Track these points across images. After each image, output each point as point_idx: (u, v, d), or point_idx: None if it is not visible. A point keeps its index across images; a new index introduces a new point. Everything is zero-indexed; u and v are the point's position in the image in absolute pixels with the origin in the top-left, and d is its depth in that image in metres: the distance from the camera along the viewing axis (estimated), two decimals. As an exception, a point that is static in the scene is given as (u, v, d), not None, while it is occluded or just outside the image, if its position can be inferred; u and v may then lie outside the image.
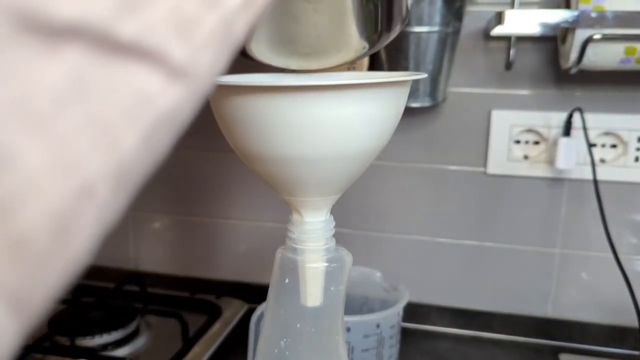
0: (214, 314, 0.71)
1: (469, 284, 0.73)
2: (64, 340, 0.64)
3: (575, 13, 0.55)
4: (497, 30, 0.61)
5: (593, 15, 0.54)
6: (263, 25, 0.35)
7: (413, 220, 0.73)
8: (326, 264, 0.36)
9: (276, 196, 0.36)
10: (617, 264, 0.61)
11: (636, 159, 0.65)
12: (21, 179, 0.10)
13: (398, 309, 0.56)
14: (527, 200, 0.69)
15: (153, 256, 0.83)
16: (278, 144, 0.31)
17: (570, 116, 0.64)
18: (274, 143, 0.31)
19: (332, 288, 0.36)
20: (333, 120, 0.30)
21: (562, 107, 0.65)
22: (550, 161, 0.67)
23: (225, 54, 0.15)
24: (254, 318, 0.51)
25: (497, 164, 0.69)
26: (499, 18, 0.57)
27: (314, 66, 0.37)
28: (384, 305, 0.59)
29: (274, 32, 0.36)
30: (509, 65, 0.66)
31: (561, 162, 0.64)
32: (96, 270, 0.82)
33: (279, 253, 0.37)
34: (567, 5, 0.60)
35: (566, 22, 0.55)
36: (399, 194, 0.73)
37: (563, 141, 0.64)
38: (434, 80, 0.63)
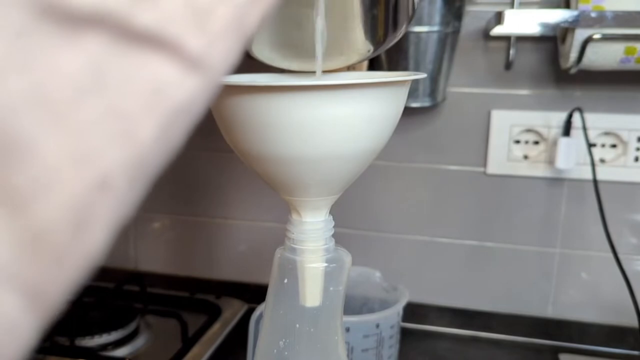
0: (213, 314, 0.71)
1: (469, 284, 0.73)
2: (63, 340, 0.64)
3: (575, 13, 0.55)
4: (497, 30, 0.61)
5: (593, 15, 0.54)
6: (265, 27, 0.35)
7: (413, 220, 0.73)
8: (325, 264, 0.36)
9: (276, 196, 0.36)
10: (617, 264, 0.61)
11: (636, 159, 0.65)
12: (40, 170, 0.10)
13: (398, 309, 0.56)
14: (527, 200, 0.69)
15: (153, 256, 0.83)
16: (278, 144, 0.31)
17: (570, 116, 0.64)
18: (274, 143, 0.31)
19: (332, 288, 0.36)
20: (333, 120, 0.30)
21: (562, 107, 0.65)
22: (550, 161, 0.67)
23: (237, 46, 0.15)
24: (254, 318, 0.51)
25: (497, 164, 0.69)
26: (498, 18, 0.57)
27: (314, 68, 0.37)
28: (384, 305, 0.59)
29: (277, 36, 0.36)
30: (508, 65, 0.66)
31: (561, 162, 0.64)
32: (96, 270, 0.82)
33: (278, 253, 0.37)
34: (567, 5, 0.60)
35: (566, 22, 0.55)
36: (399, 194, 0.72)
37: (563, 141, 0.64)
38: (434, 80, 0.63)
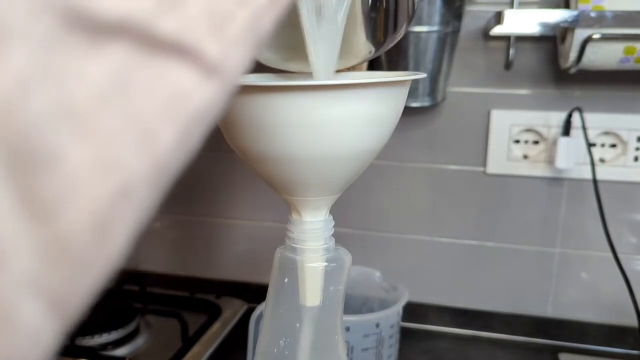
0: (214, 313, 0.71)
1: (469, 284, 0.73)
2: (64, 340, 0.64)
3: (575, 13, 0.55)
4: (497, 30, 0.61)
5: (593, 15, 0.54)
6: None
7: (413, 220, 0.73)
8: (326, 264, 0.36)
9: (276, 196, 0.36)
10: (617, 264, 0.61)
11: (636, 159, 0.65)
12: (66, 180, 0.10)
13: (398, 308, 0.56)
14: (527, 200, 0.69)
15: (153, 256, 0.83)
16: (278, 144, 0.31)
17: (570, 116, 0.64)
18: (274, 143, 0.31)
19: (332, 288, 0.36)
20: (333, 120, 0.30)
21: (562, 107, 0.65)
22: (550, 161, 0.67)
23: (252, 50, 0.15)
24: (254, 318, 0.51)
25: (497, 164, 0.69)
26: (498, 18, 0.57)
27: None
28: (384, 305, 0.59)
29: (277, 38, 0.36)
30: (508, 65, 0.66)
31: (561, 162, 0.64)
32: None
33: (278, 253, 0.37)
34: (567, 5, 0.60)
35: (566, 22, 0.55)
36: (399, 194, 0.73)
37: (563, 141, 0.64)
38: (434, 80, 0.63)
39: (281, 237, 0.37)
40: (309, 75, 0.36)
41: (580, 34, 0.56)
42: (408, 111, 0.60)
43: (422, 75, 0.34)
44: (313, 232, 0.35)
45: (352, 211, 0.74)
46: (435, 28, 0.60)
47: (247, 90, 0.30)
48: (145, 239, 0.82)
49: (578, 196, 0.67)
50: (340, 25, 0.32)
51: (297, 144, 0.31)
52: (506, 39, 0.65)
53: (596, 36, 0.55)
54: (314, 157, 0.31)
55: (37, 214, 0.10)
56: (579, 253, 0.69)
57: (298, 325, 0.37)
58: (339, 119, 0.30)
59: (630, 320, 0.61)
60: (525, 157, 0.68)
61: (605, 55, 0.57)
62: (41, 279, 0.10)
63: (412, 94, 0.63)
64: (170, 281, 0.80)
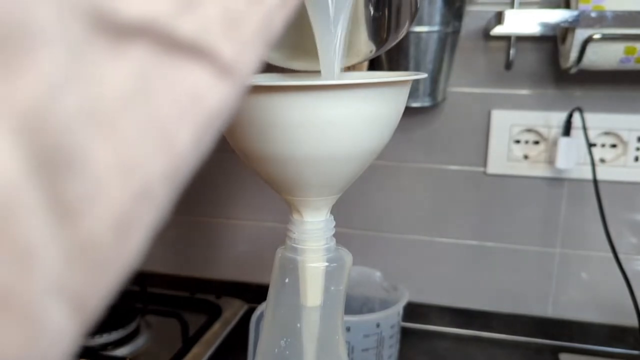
0: (214, 313, 0.71)
1: (469, 284, 0.73)
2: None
3: (575, 13, 0.55)
4: (497, 30, 0.61)
5: (593, 15, 0.54)
6: None
7: (413, 220, 0.73)
8: (326, 264, 0.36)
9: (276, 196, 0.36)
10: (617, 264, 0.61)
11: (636, 159, 0.65)
12: (89, 183, 0.10)
13: (398, 308, 0.56)
14: (527, 200, 0.69)
15: (153, 256, 0.83)
16: (278, 144, 0.31)
17: (570, 116, 0.64)
18: (275, 143, 0.31)
19: (332, 288, 0.36)
20: (334, 120, 0.30)
21: (562, 106, 0.65)
22: (550, 161, 0.67)
23: (263, 50, 0.15)
24: (254, 318, 0.51)
25: (497, 164, 0.69)
26: (498, 18, 0.57)
27: (316, 68, 0.37)
28: (384, 305, 0.59)
29: (280, 37, 0.36)
30: (508, 65, 0.66)
31: (561, 162, 0.64)
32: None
33: (279, 253, 0.37)
34: (567, 5, 0.60)
35: (566, 22, 0.55)
36: (399, 194, 0.73)
37: (563, 141, 0.64)
38: (434, 80, 0.63)
39: (281, 237, 0.37)
40: (311, 74, 0.36)
41: (580, 34, 0.56)
42: (408, 111, 0.60)
43: (422, 75, 0.34)
44: (313, 232, 0.35)
45: (352, 211, 0.74)
46: (436, 28, 0.60)
47: (249, 90, 0.30)
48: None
49: (578, 196, 0.68)
50: (345, 23, 0.32)
51: (297, 144, 0.31)
52: (506, 38, 0.65)
53: (596, 36, 0.55)
54: (314, 157, 0.31)
55: (63, 216, 0.10)
56: (579, 253, 0.69)
57: (298, 325, 0.37)
58: (339, 119, 0.30)
59: (630, 320, 0.61)
60: (526, 157, 0.68)
61: (605, 55, 0.57)
62: (66, 280, 0.10)
63: (412, 94, 0.63)
64: (170, 281, 0.80)
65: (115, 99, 0.11)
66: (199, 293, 0.77)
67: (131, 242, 0.12)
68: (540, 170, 0.68)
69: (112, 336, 0.64)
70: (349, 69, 0.51)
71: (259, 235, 0.78)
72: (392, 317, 0.55)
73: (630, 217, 0.67)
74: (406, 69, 0.62)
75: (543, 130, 0.66)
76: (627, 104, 0.64)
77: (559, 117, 0.65)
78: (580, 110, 0.63)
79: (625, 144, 0.65)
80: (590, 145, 0.63)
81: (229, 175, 0.77)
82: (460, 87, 0.68)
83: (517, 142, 0.68)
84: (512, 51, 0.64)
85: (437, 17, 0.60)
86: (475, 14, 0.66)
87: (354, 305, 0.63)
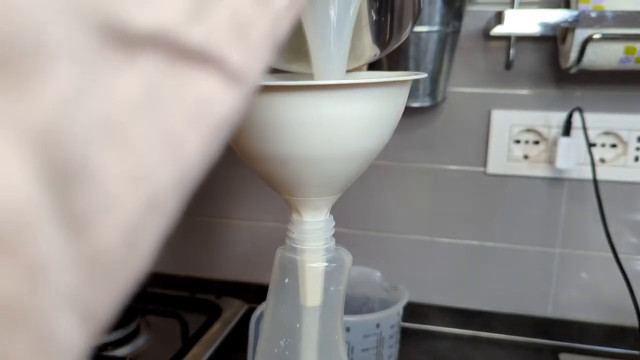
0: (214, 313, 0.71)
1: (469, 284, 0.73)
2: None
3: (575, 13, 0.55)
4: (497, 30, 0.61)
5: (593, 15, 0.54)
6: None
7: (413, 220, 0.73)
8: (326, 264, 0.36)
9: (276, 196, 0.36)
10: (617, 264, 0.61)
11: (636, 159, 0.65)
12: (100, 194, 0.10)
13: (398, 308, 0.56)
14: (527, 200, 0.69)
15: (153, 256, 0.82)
16: (278, 144, 0.31)
17: (570, 116, 0.64)
18: (274, 143, 0.31)
19: (332, 288, 0.36)
20: (333, 120, 0.30)
21: (562, 106, 0.65)
22: (550, 161, 0.67)
23: (269, 54, 0.15)
24: (254, 318, 0.51)
25: (497, 164, 0.69)
26: (498, 18, 0.57)
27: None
28: (384, 305, 0.59)
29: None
30: (508, 65, 0.66)
31: (561, 162, 0.64)
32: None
33: (278, 253, 0.37)
34: (567, 5, 0.60)
35: (566, 21, 0.55)
36: (399, 194, 0.72)
37: (563, 141, 0.64)
38: (434, 80, 0.63)
39: (281, 237, 0.37)
40: (309, 75, 0.36)
41: (580, 34, 0.56)
42: (408, 111, 0.60)
43: (422, 75, 0.34)
44: (313, 232, 0.35)
45: (352, 211, 0.74)
46: (436, 28, 0.60)
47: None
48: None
49: (578, 196, 0.67)
50: (349, 27, 0.32)
51: (297, 144, 0.31)
52: (506, 38, 0.65)
53: (596, 36, 0.55)
54: (314, 157, 0.31)
55: (75, 228, 0.10)
56: (579, 253, 0.69)
57: (298, 325, 0.37)
58: (339, 119, 0.30)
59: (630, 320, 0.61)
60: (526, 157, 0.68)
61: (605, 55, 0.57)
62: (76, 292, 0.10)
63: (412, 94, 0.63)
64: (170, 281, 0.80)
65: (125, 109, 0.11)
66: (199, 293, 0.77)
67: (140, 251, 0.12)
68: (540, 170, 0.68)
69: (112, 336, 0.64)
70: (350, 70, 0.51)
71: (259, 235, 0.78)
72: (392, 317, 0.55)
73: (630, 217, 0.67)
74: (406, 69, 0.62)
75: (543, 130, 0.66)
76: (627, 104, 0.64)
77: (559, 117, 0.65)
78: (580, 110, 0.63)
79: (625, 144, 0.65)
80: (590, 145, 0.63)
81: (229, 175, 0.77)
82: (460, 87, 0.68)
83: (517, 142, 0.68)
84: (512, 51, 0.64)
85: (437, 17, 0.60)
86: (475, 14, 0.66)
87: (354, 305, 0.63)
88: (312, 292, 0.36)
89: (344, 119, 0.30)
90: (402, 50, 0.61)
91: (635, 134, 0.64)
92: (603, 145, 0.66)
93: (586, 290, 0.70)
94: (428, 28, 0.60)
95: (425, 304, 0.73)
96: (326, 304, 0.36)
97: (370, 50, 0.38)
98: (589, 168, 0.64)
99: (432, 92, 0.64)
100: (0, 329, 0.09)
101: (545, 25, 0.61)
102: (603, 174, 0.65)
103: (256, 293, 0.74)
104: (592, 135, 0.64)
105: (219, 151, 0.14)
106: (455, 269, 0.73)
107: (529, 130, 0.67)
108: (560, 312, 0.71)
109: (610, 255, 0.61)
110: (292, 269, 0.36)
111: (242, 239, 0.79)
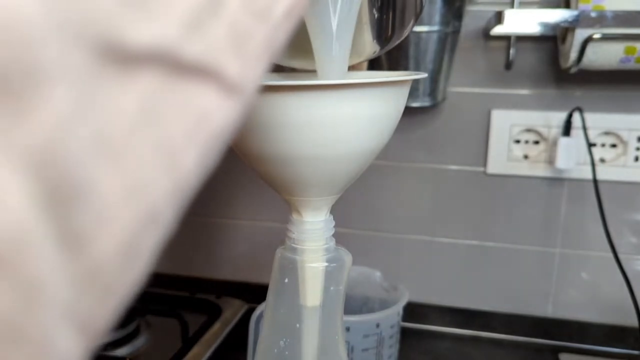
0: (213, 313, 0.71)
1: (469, 283, 0.73)
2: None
3: (575, 13, 0.55)
4: (497, 30, 0.61)
5: (593, 14, 0.54)
6: None
7: (413, 220, 0.73)
8: (326, 264, 0.36)
9: (276, 196, 0.36)
10: (617, 264, 0.61)
11: (636, 159, 0.65)
12: (97, 210, 0.10)
13: (398, 308, 0.56)
14: (527, 200, 0.69)
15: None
16: (278, 144, 0.31)
17: (570, 116, 0.64)
18: (274, 143, 0.31)
19: (332, 288, 0.36)
20: (333, 120, 0.30)
21: (562, 106, 0.65)
22: (550, 161, 0.67)
23: (267, 64, 0.15)
24: (254, 318, 0.51)
25: (497, 164, 0.69)
26: (498, 18, 0.57)
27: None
28: (384, 305, 0.59)
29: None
30: (508, 65, 0.66)
31: (561, 162, 0.64)
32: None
33: (278, 253, 0.37)
34: (567, 5, 0.60)
35: (566, 21, 0.55)
36: (399, 193, 0.72)
37: (563, 141, 0.64)
38: (434, 79, 0.63)
39: (281, 237, 0.37)
40: (311, 73, 0.36)
41: (580, 34, 0.56)
42: (408, 111, 0.60)
43: (422, 75, 0.34)
44: (313, 232, 0.35)
45: (352, 211, 0.74)
46: (436, 28, 0.60)
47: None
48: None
49: (578, 196, 0.67)
50: (350, 24, 0.32)
51: (297, 144, 0.31)
52: (506, 38, 0.65)
53: (596, 36, 0.55)
54: (314, 157, 0.31)
55: (72, 245, 0.10)
56: (579, 253, 0.69)
57: (298, 325, 0.37)
58: (339, 119, 0.30)
59: (630, 320, 0.61)
60: (526, 157, 0.68)
61: (605, 54, 0.57)
62: (74, 307, 0.10)
63: (412, 93, 0.63)
64: (170, 281, 0.80)
65: (123, 126, 0.11)
66: (199, 293, 0.77)
67: (138, 263, 0.12)
68: (540, 170, 0.68)
69: (112, 336, 0.64)
70: (349, 68, 0.51)
71: (258, 235, 0.78)
72: (392, 317, 0.55)
73: (630, 217, 0.67)
74: (406, 68, 0.62)
75: (543, 130, 0.66)
76: (627, 104, 0.64)
77: (559, 117, 0.65)
78: (580, 110, 0.63)
79: (625, 144, 0.65)
80: (590, 145, 0.63)
81: (228, 175, 0.77)
82: (460, 87, 0.68)
83: (517, 142, 0.68)
84: (512, 51, 0.64)
85: (437, 17, 0.60)
86: (475, 13, 0.66)
87: (354, 305, 0.63)
88: (312, 292, 0.36)
89: (344, 119, 0.30)
90: (402, 50, 0.61)
91: (635, 134, 0.64)
92: (603, 145, 0.66)
93: (586, 290, 0.70)
94: (428, 28, 0.60)
95: (425, 304, 0.73)
96: (326, 304, 0.36)
97: (370, 47, 0.38)
98: (589, 168, 0.64)
99: (432, 92, 0.64)
100: (0, 345, 0.09)
101: (545, 25, 0.61)
102: (603, 174, 0.65)
103: (256, 293, 0.74)
104: (592, 135, 0.64)
105: (216, 160, 0.14)
106: (455, 269, 0.73)
107: (529, 130, 0.67)
108: (560, 312, 0.71)
109: (610, 255, 0.61)
110: (292, 269, 0.36)
111: (242, 238, 0.79)
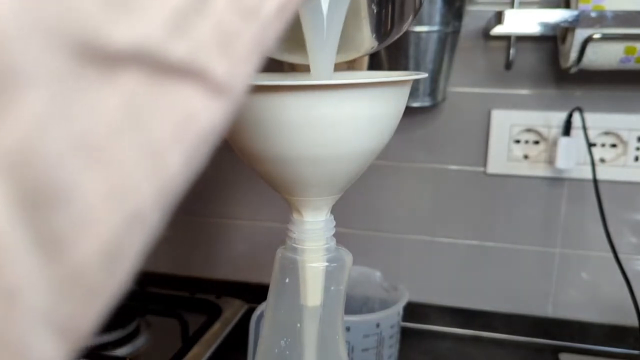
0: (214, 313, 0.71)
1: (469, 283, 0.73)
2: None
3: (575, 13, 0.55)
4: (497, 30, 0.61)
5: (593, 14, 0.54)
6: None
7: (413, 220, 0.73)
8: (326, 264, 0.36)
9: (276, 196, 0.36)
10: (617, 264, 0.61)
11: (636, 159, 0.65)
12: (79, 214, 0.10)
13: (398, 308, 0.56)
14: (527, 200, 0.69)
15: (153, 256, 0.82)
16: (278, 144, 0.31)
17: (570, 116, 0.64)
18: (274, 143, 0.31)
19: (332, 288, 0.36)
20: (333, 120, 0.30)
21: (562, 106, 0.65)
22: (550, 161, 0.67)
23: (256, 64, 0.15)
24: (254, 318, 0.51)
25: (497, 164, 0.69)
26: (498, 18, 0.57)
27: None
28: (384, 305, 0.59)
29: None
30: (508, 65, 0.66)
31: (561, 162, 0.64)
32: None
33: (279, 253, 0.37)
34: (567, 5, 0.60)
35: (566, 21, 0.55)
36: (399, 193, 0.72)
37: (563, 141, 0.64)
38: (434, 79, 0.63)
39: (281, 237, 0.37)
40: (309, 71, 0.36)
41: (580, 34, 0.56)
42: (408, 111, 0.60)
43: (422, 75, 0.34)
44: (314, 232, 0.35)
45: (352, 211, 0.74)
46: (436, 28, 0.60)
47: (247, 90, 0.30)
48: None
49: (578, 196, 0.67)
50: (338, 22, 0.32)
51: (297, 144, 0.31)
52: (506, 38, 0.65)
53: (596, 36, 0.55)
54: (314, 157, 0.31)
55: (51, 249, 0.10)
56: (579, 253, 0.69)
57: (298, 325, 0.37)
58: (340, 119, 0.30)
59: (630, 320, 0.61)
60: (526, 157, 0.68)
61: (605, 54, 0.57)
62: (53, 312, 0.10)
63: (412, 93, 0.63)
64: (170, 281, 0.80)
65: (106, 128, 0.11)
66: (199, 293, 0.77)
67: (122, 265, 0.12)
68: (540, 170, 0.68)
69: (112, 336, 0.64)
70: (349, 65, 0.51)
71: (259, 235, 0.78)
72: (392, 317, 0.55)
73: (630, 217, 0.67)
74: (406, 68, 0.62)
75: (543, 130, 0.66)
76: (627, 104, 0.64)
77: (559, 117, 0.65)
78: (580, 110, 0.63)
79: (625, 143, 0.65)
80: (590, 145, 0.63)
81: (229, 175, 0.77)
82: (460, 87, 0.68)
83: (517, 142, 0.68)
84: (512, 51, 0.64)
85: (437, 17, 0.60)
86: (475, 13, 0.66)
87: (354, 305, 0.63)
88: (313, 292, 0.36)
89: (345, 119, 0.30)
90: (402, 50, 0.61)
91: (635, 134, 0.64)
92: (603, 145, 0.66)
93: (586, 290, 0.70)
94: (428, 28, 0.60)
95: (425, 304, 0.73)
96: (326, 304, 0.36)
97: (369, 42, 0.38)
98: (589, 168, 0.64)
99: (432, 92, 0.64)
100: None
101: (545, 25, 0.61)
102: (603, 174, 0.65)
103: (256, 293, 0.74)
104: (592, 135, 0.65)
105: (205, 160, 0.14)
106: (455, 269, 0.73)
107: (529, 130, 0.67)
108: (560, 312, 0.71)
109: (610, 255, 0.61)
110: (292, 269, 0.36)
111: (242, 238, 0.79)
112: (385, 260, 0.73)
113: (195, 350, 0.62)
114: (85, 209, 0.10)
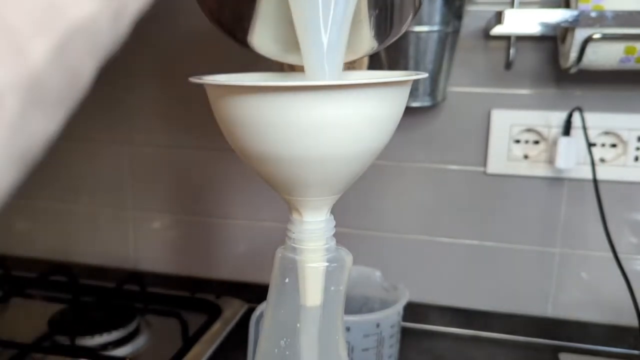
0: (213, 313, 0.71)
1: (469, 283, 0.73)
2: (63, 340, 0.64)
3: (575, 12, 0.55)
4: (497, 30, 0.61)
5: (593, 14, 0.54)
6: (266, 21, 0.35)
7: (413, 220, 0.73)
8: (326, 264, 0.36)
9: (276, 196, 0.36)
10: (617, 264, 0.61)
11: (636, 159, 0.65)
12: None
13: (398, 308, 0.56)
14: (527, 199, 0.69)
15: (153, 256, 0.83)
16: (278, 144, 0.31)
17: (570, 116, 0.64)
18: (274, 143, 0.31)
19: (332, 288, 0.36)
20: (333, 120, 0.30)
21: (562, 106, 0.65)
22: (550, 161, 0.67)
23: None
24: (254, 318, 0.51)
25: (497, 164, 0.69)
26: (498, 17, 0.57)
27: None
28: (384, 304, 0.59)
29: (277, 30, 0.36)
30: (508, 65, 0.66)
31: (561, 162, 0.64)
32: (96, 270, 0.82)
33: (279, 253, 0.37)
34: (567, 5, 0.60)
35: (566, 21, 0.55)
36: (399, 193, 0.73)
37: (563, 141, 0.64)
38: (434, 79, 0.63)
39: (281, 237, 0.37)
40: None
41: (580, 34, 0.56)
42: (408, 111, 0.60)
43: (423, 75, 0.34)
44: (313, 232, 0.35)
45: (352, 211, 0.74)
46: (436, 27, 0.60)
47: (247, 90, 0.30)
48: (145, 238, 0.82)
49: (578, 196, 0.67)
50: (345, 23, 0.32)
51: (298, 144, 0.31)
52: (506, 38, 0.65)
53: (596, 36, 0.55)
54: (314, 157, 0.31)
55: None
56: (579, 253, 0.69)
57: (298, 325, 0.37)
58: (340, 119, 0.30)
59: (630, 320, 0.61)
60: (526, 156, 0.68)
61: (605, 54, 0.57)
62: None
63: (412, 93, 0.63)
64: (170, 281, 0.80)
65: None
66: (199, 293, 0.77)
67: None
68: (540, 170, 0.68)
69: (112, 336, 0.64)
70: (349, 66, 0.51)
71: (258, 235, 0.78)
72: (392, 317, 0.55)
73: (630, 217, 0.67)
74: (406, 68, 0.62)
75: (543, 130, 0.66)
76: (627, 104, 0.64)
77: (559, 116, 0.65)
78: (580, 110, 0.63)
79: (625, 143, 0.65)
80: (590, 145, 0.63)
81: (228, 175, 0.77)
82: (460, 87, 0.68)
83: (517, 142, 0.68)
84: (512, 51, 0.64)
85: (437, 17, 0.60)
86: (475, 13, 0.66)
87: (354, 305, 0.63)
88: (313, 292, 0.36)
89: (345, 119, 0.30)
90: (402, 50, 0.61)
91: (635, 134, 0.64)
92: (603, 145, 0.66)
93: (586, 290, 0.70)
94: (428, 28, 0.60)
95: (425, 304, 0.73)
96: (326, 304, 0.36)
97: (368, 43, 0.38)
98: (589, 168, 0.64)
99: (432, 92, 0.64)
100: None
101: (545, 25, 0.61)
102: (603, 173, 0.65)
103: (256, 293, 0.74)
104: (592, 135, 0.65)
105: (90, 68, 0.14)
106: (455, 269, 0.73)
107: (529, 130, 0.67)
108: (560, 312, 0.71)
109: (610, 255, 0.61)
110: (292, 269, 0.36)
111: (242, 238, 0.79)
112: (385, 260, 0.73)
113: (195, 350, 0.63)
114: None
